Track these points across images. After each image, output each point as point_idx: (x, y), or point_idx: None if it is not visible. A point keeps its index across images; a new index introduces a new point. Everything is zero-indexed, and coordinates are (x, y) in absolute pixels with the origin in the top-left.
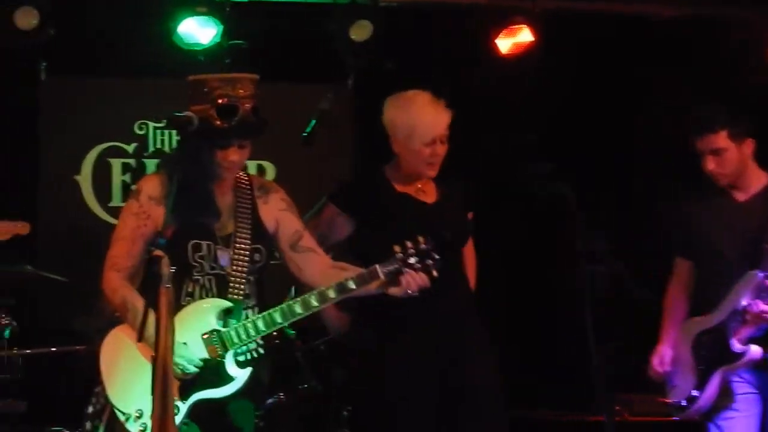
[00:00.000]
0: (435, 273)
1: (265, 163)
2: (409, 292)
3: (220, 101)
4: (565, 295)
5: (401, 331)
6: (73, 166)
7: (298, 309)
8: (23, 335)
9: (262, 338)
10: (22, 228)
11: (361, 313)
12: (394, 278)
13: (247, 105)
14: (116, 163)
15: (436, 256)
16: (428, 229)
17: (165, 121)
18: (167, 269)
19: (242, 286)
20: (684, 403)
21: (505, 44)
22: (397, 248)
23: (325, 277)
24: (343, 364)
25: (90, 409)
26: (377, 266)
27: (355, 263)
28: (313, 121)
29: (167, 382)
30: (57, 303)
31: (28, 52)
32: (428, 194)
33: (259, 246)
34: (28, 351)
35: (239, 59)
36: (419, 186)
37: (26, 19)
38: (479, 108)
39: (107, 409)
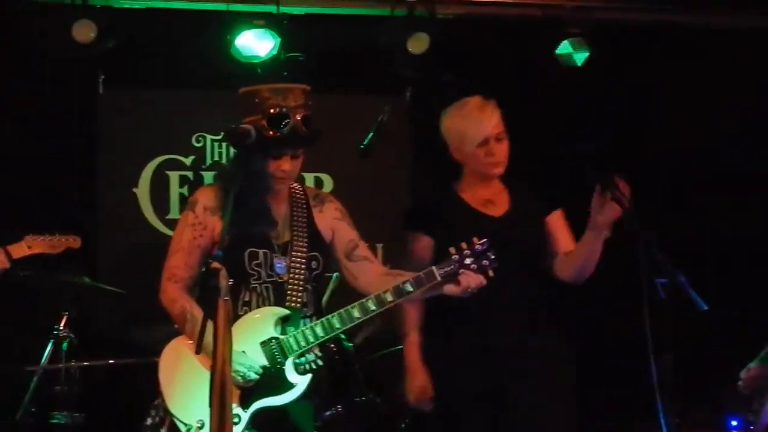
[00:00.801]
0: (491, 273)
1: (323, 176)
2: (468, 291)
3: (271, 111)
4: (623, 304)
5: (466, 340)
6: (131, 178)
7: (356, 313)
8: (81, 347)
9: (320, 349)
10: (74, 242)
11: (432, 311)
12: (450, 279)
13: (298, 115)
14: (174, 176)
15: (492, 256)
16: (500, 245)
17: (223, 133)
18: (225, 281)
19: (300, 294)
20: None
21: (560, 55)
22: (452, 250)
23: (380, 284)
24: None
25: (149, 421)
26: (434, 268)
27: None
28: (371, 134)
29: (225, 394)
30: (115, 315)
31: (86, 65)
32: (498, 205)
33: (315, 254)
34: (86, 363)
35: (297, 72)
36: (488, 197)
37: (84, 32)
38: (536, 118)
39: (167, 420)
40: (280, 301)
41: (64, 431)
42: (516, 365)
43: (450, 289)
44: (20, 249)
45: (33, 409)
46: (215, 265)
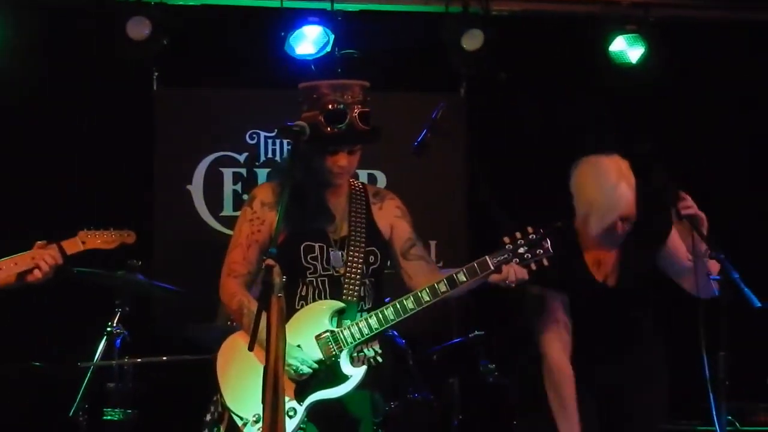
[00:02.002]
0: (546, 262)
1: (376, 173)
2: (507, 282)
3: (329, 107)
4: (676, 301)
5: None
6: (185, 175)
7: (410, 305)
8: (136, 344)
9: (381, 344)
10: (128, 237)
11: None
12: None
13: (355, 111)
14: (227, 173)
15: (547, 245)
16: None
17: (276, 130)
18: (279, 278)
19: (356, 288)
20: None
21: (617, 52)
22: (506, 239)
23: None
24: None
25: (208, 417)
26: (487, 257)
27: None
28: (425, 131)
29: (278, 390)
30: (169, 312)
31: (141, 62)
32: (604, 266)
33: (373, 248)
34: (139, 360)
35: (350, 69)
36: (600, 257)
37: (138, 29)
38: (592, 116)
39: (225, 416)
40: (336, 295)
41: (117, 428)
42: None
43: (494, 277)
44: (74, 245)
45: (86, 406)
46: (269, 261)
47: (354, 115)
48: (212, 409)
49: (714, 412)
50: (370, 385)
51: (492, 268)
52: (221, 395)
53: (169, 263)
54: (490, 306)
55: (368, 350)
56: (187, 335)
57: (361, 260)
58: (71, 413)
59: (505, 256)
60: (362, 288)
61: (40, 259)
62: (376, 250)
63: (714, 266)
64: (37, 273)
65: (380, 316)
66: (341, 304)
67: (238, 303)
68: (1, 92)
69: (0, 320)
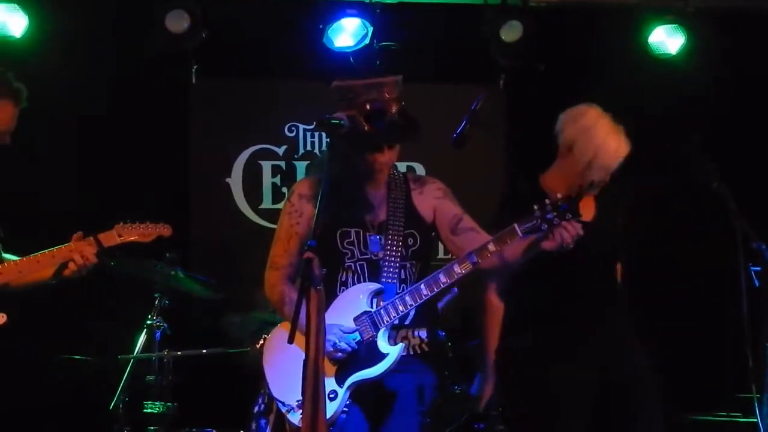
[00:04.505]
0: (576, 230)
1: (415, 165)
2: (565, 244)
3: (367, 106)
4: (719, 292)
5: (561, 329)
6: (224, 168)
7: (443, 277)
8: (175, 337)
9: (428, 332)
10: (164, 230)
11: (519, 313)
12: (536, 234)
13: (393, 108)
14: (266, 166)
15: (575, 209)
16: (583, 249)
17: (315, 123)
18: (318, 271)
19: (395, 270)
20: None
21: (656, 43)
22: (535, 206)
23: None
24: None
25: (256, 409)
26: (515, 225)
27: None
28: (464, 123)
29: (318, 382)
30: (208, 305)
31: (180, 55)
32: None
33: (412, 231)
34: (179, 353)
35: (389, 61)
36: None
37: (177, 22)
38: (633, 108)
39: (273, 406)
40: (374, 278)
41: (157, 420)
42: (607, 354)
43: (545, 245)
44: (111, 237)
45: (126, 399)
46: (308, 254)
47: (393, 112)
48: (260, 400)
49: (756, 406)
50: (419, 372)
51: (519, 234)
52: (266, 385)
53: (207, 256)
54: None
55: (414, 338)
56: (225, 328)
57: (399, 243)
58: (111, 406)
59: (534, 222)
60: (402, 270)
61: (77, 252)
62: (416, 233)
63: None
64: (72, 266)
65: (414, 292)
66: (379, 286)
67: (279, 294)
68: (40, 85)
69: (41, 314)
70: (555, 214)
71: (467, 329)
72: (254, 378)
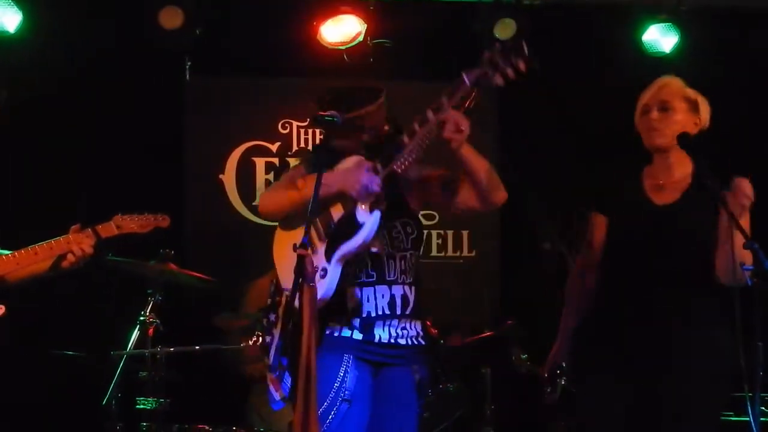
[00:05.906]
0: (523, 67)
1: None
2: (457, 130)
3: (363, 137)
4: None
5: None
6: (218, 165)
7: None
8: (168, 333)
9: (424, 335)
10: (162, 221)
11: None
12: (484, 81)
13: (385, 128)
14: (260, 162)
15: (523, 50)
16: (654, 236)
17: (309, 120)
18: (311, 267)
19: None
20: None
21: (650, 42)
22: (483, 52)
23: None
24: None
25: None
26: (462, 73)
27: None
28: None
29: (311, 379)
30: (201, 301)
31: (173, 51)
32: (668, 191)
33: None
34: (172, 349)
35: (383, 58)
36: (661, 182)
37: (171, 18)
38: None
39: (282, 300)
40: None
41: (150, 416)
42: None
43: (447, 134)
44: (109, 229)
45: (119, 395)
46: (300, 251)
47: (385, 133)
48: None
49: (749, 403)
50: (417, 366)
51: (467, 83)
52: (277, 277)
53: (200, 253)
54: (522, 296)
55: (411, 328)
56: (218, 324)
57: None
58: (104, 402)
59: (481, 69)
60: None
61: (75, 243)
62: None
63: (747, 256)
64: (71, 257)
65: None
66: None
67: (287, 179)
68: (34, 80)
69: (34, 309)
70: (503, 57)
71: (459, 327)
72: (246, 376)
